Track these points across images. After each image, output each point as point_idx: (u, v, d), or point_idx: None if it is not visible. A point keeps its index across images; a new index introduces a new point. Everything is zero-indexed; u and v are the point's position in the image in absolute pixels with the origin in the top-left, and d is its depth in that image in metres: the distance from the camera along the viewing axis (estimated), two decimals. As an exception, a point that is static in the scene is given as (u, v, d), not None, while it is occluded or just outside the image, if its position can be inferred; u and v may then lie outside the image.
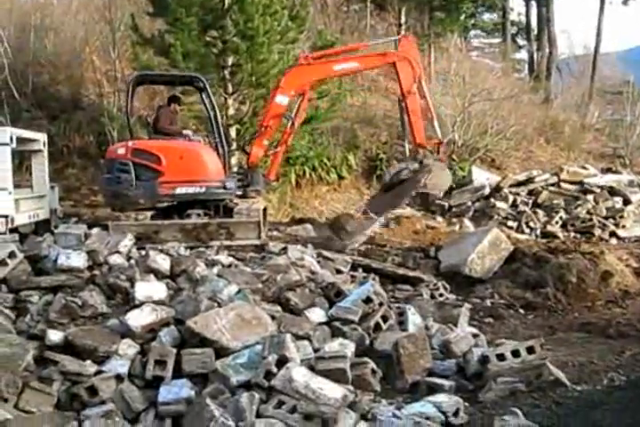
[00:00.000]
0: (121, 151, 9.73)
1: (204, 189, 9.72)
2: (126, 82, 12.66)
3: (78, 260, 6.76)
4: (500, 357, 5.86)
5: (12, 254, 6.70)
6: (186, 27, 14.13)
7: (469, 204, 16.16)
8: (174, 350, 5.71)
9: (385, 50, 12.40)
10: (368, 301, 6.81)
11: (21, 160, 11.12)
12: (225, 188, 9.83)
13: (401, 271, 9.90)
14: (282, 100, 10.98)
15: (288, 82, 11.01)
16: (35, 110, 17.02)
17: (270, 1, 14.43)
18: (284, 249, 8.91)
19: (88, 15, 19.65)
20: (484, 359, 5.92)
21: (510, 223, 15.06)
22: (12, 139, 9.52)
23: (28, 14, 18.99)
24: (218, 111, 10.49)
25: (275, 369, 5.37)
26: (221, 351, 5.80)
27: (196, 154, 9.96)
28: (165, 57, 14.47)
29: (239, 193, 10.29)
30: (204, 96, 10.60)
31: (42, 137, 10.95)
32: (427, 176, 11.16)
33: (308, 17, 15.70)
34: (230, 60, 14.65)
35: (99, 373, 5.62)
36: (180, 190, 9.64)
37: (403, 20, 21.76)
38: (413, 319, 7.03)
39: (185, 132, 10.49)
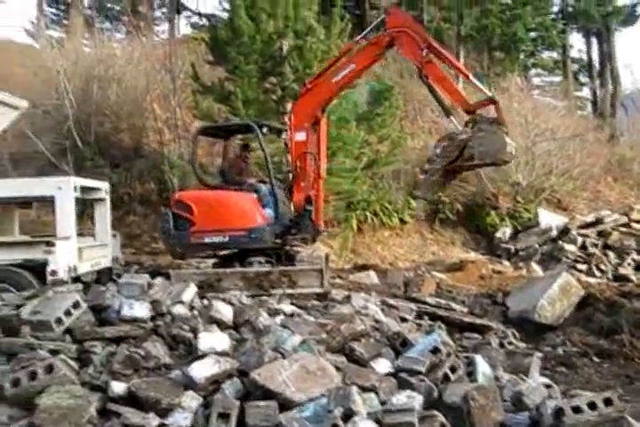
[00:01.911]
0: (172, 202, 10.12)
1: (227, 239, 9.82)
2: (189, 131, 12.89)
3: (141, 310, 6.71)
4: (576, 409, 5.52)
5: (76, 304, 6.69)
6: (245, 74, 14.38)
7: (536, 247, 15.80)
8: (238, 403, 5.54)
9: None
10: (435, 351, 6.57)
11: (84, 208, 11.25)
12: (251, 237, 9.80)
13: (468, 319, 9.63)
14: (299, 136, 10.55)
15: (297, 116, 10.63)
16: (97, 159, 17.46)
17: (328, 47, 14.60)
18: (348, 297, 8.75)
19: (149, 65, 20.16)
20: (558, 412, 5.58)
21: (580, 266, 14.63)
22: (75, 188, 9.68)
23: (92, 66, 19.59)
24: (268, 157, 10.52)
25: (341, 423, 5.16)
26: (286, 404, 5.61)
27: (222, 203, 10.09)
28: (225, 104, 14.73)
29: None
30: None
31: (104, 186, 11.12)
32: (472, 144, 9.45)
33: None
34: (289, 107, 14.74)
35: (162, 426, 5.49)
36: (208, 240, 9.82)
37: (462, 60, 21.74)
38: (483, 370, 6.74)
39: (249, 181, 10.53)
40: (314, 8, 15.37)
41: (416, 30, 9.96)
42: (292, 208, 10.61)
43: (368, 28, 11.05)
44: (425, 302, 10.11)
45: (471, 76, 10.05)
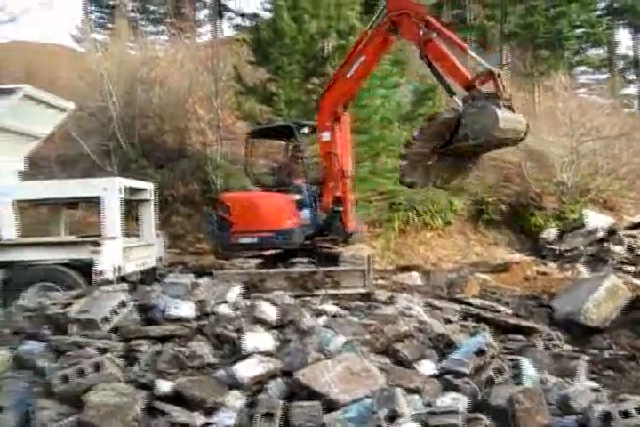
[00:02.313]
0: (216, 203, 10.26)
1: (256, 240, 9.92)
2: (231, 132, 12.98)
3: (187, 310, 6.78)
4: (625, 414, 5.42)
5: (122, 304, 6.78)
6: (288, 75, 14.41)
7: (582, 248, 15.53)
8: (282, 403, 5.55)
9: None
10: (480, 353, 6.51)
11: (129, 209, 11.37)
12: (278, 238, 9.86)
13: (513, 321, 9.49)
14: (324, 135, 10.36)
15: (320, 115, 10.48)
16: (141, 160, 17.64)
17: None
18: (391, 298, 8.72)
19: (192, 67, 20.34)
20: (606, 416, 5.48)
21: (627, 268, 14.32)
22: (121, 189, 9.81)
23: (136, 68, 19.84)
24: (306, 158, 10.56)
25: (385, 425, 5.15)
26: (330, 405, 5.60)
27: (255, 204, 10.20)
28: (268, 105, 14.76)
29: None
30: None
31: (149, 187, 11.27)
32: (464, 123, 8.61)
33: (409, 61, 15.69)
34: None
35: (207, 425, 5.52)
36: (242, 240, 9.98)
37: (505, 59, 21.51)
38: (529, 372, 6.65)
39: (295, 182, 10.55)
40: (356, 8, 15.35)
41: (414, 10, 9.51)
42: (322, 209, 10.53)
43: (374, 17, 10.33)
44: (469, 304, 10.02)
45: (470, 50, 9.32)
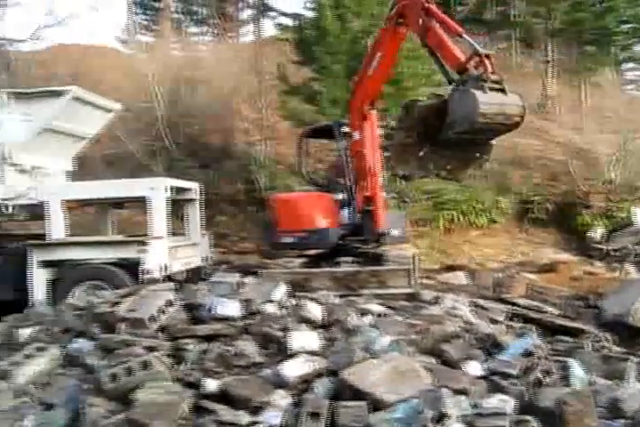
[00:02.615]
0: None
1: (293, 240, 9.97)
2: (276, 132, 13.01)
3: (233, 309, 6.83)
4: (677, 416, 5.34)
5: (169, 303, 6.86)
6: (332, 74, 14.38)
7: (631, 247, 15.22)
8: (328, 403, 5.55)
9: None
10: (528, 354, 6.46)
11: (175, 208, 11.48)
12: (313, 238, 9.89)
13: (560, 322, 9.34)
14: (354, 135, 10.30)
15: (351, 117, 10.44)
16: (186, 160, 17.76)
17: (414, 44, 14.45)
18: (437, 298, 8.66)
19: (236, 66, 20.44)
20: (657, 419, 5.41)
21: (679, 269, 14.06)
22: (167, 189, 9.91)
23: (181, 69, 20.01)
24: (344, 157, 10.51)
25: (432, 426, 5.12)
26: (376, 405, 5.58)
27: (293, 204, 10.33)
28: (312, 104, 14.73)
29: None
30: None
31: (195, 186, 11.37)
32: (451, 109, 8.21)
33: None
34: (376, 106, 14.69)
35: (253, 423, 5.54)
36: (284, 239, 10.06)
37: (551, 56, 21.21)
38: (577, 374, 6.56)
39: (341, 181, 10.54)
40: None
41: None
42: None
43: (388, 12, 10.03)
44: (515, 304, 9.90)
45: (464, 34, 8.78)
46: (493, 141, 9.00)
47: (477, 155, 9.04)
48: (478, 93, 7.90)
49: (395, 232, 10.18)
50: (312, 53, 14.88)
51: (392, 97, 14.00)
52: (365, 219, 10.08)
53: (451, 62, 8.60)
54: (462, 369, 6.40)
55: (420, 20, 8.92)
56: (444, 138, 8.55)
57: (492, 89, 8.05)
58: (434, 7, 8.99)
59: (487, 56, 8.31)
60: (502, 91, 8.14)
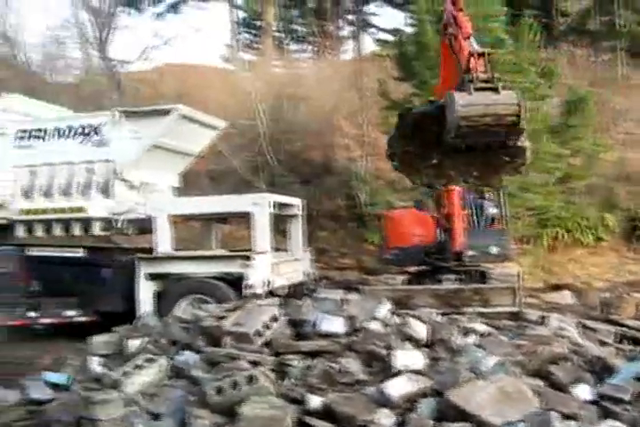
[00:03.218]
0: None
1: (390, 256, 10.28)
2: (377, 148, 12.98)
3: (337, 325, 6.82)
4: None
5: (274, 318, 6.91)
6: (432, 89, 14.27)
7: None
8: (432, 423, 5.47)
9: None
10: (640, 378, 6.18)
11: (277, 224, 11.61)
12: (399, 256, 10.07)
13: (675, 344, 8.94)
14: None
15: None
16: (288, 175, 17.95)
17: (518, 58, 14.24)
18: (543, 318, 8.41)
19: (337, 83, 20.57)
20: None
21: None
22: (271, 204, 10.03)
23: (283, 85, 20.29)
24: None
25: (540, 450, 4.96)
26: (481, 426, 5.46)
27: (391, 221, 10.60)
28: (413, 120, 14.64)
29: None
30: None
31: (298, 202, 11.47)
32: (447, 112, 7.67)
33: (557, 72, 15.22)
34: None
35: (357, 442, 5.51)
36: (385, 255, 10.35)
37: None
38: (696, 400, 6.24)
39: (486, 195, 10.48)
40: (502, 19, 15.05)
41: (445, 6, 9.06)
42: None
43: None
44: (625, 325, 9.50)
45: (471, 36, 8.32)
46: (523, 143, 8.26)
47: (507, 159, 8.40)
48: (458, 96, 7.46)
49: (494, 249, 9.99)
50: (412, 69, 14.84)
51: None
52: (446, 236, 10.04)
53: (463, 67, 8.03)
54: (571, 393, 6.19)
55: (450, 28, 8.72)
56: (447, 144, 8.07)
57: (480, 89, 7.49)
58: (460, 15, 8.68)
59: (481, 55, 7.87)
60: (494, 89, 7.51)
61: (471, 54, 7.83)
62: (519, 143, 8.16)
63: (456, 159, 8.45)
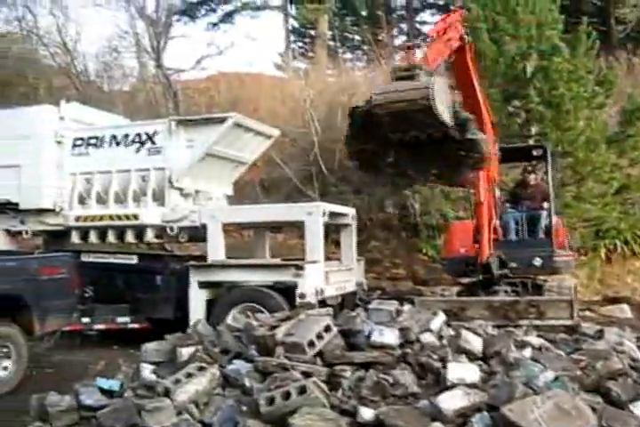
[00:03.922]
0: None
1: (447, 266, 10.62)
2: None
3: (391, 337, 6.73)
4: None
5: (327, 328, 6.84)
6: (488, 98, 14.14)
7: None
8: (486, 438, 5.36)
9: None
10: (703, 397, 5.96)
11: (328, 233, 11.60)
12: (446, 267, 10.40)
13: None
14: None
15: None
16: (341, 185, 17.92)
17: (575, 66, 14.03)
18: (600, 332, 8.20)
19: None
20: None
21: None
22: (324, 214, 10.01)
23: (336, 94, 20.29)
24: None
25: (598, 470, 4.81)
26: (537, 443, 5.33)
27: (447, 232, 10.87)
28: (467, 129, 14.53)
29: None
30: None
31: (351, 212, 11.44)
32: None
33: (615, 80, 14.95)
34: (534, 130, 14.34)
35: (409, 456, 5.43)
36: (446, 266, 10.60)
37: None
38: None
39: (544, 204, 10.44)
40: (558, 27, 14.85)
41: None
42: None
43: None
44: (687, 341, 9.25)
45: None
46: (476, 136, 7.96)
47: (463, 153, 8.02)
48: (378, 87, 7.72)
49: (537, 261, 9.85)
50: (468, 76, 14.72)
51: (552, 121, 13.61)
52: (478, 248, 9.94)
53: None
54: (630, 410, 6.01)
55: None
56: (389, 139, 7.96)
57: (399, 78, 7.51)
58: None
59: (409, 47, 7.98)
60: (411, 77, 7.45)
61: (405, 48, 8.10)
62: (470, 136, 7.87)
63: (413, 157, 8.19)
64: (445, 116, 7.41)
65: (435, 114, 7.28)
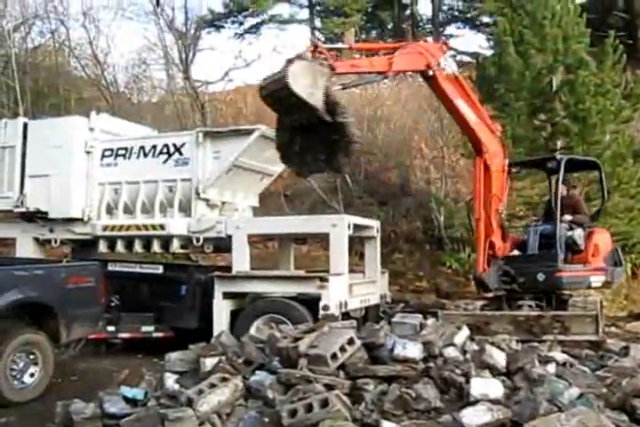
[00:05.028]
0: None
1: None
2: (455, 170, 12.92)
3: (414, 351, 6.71)
4: None
5: (350, 341, 6.84)
6: (515, 111, 14.14)
7: None
8: (509, 455, 5.34)
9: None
10: None
11: (351, 245, 11.61)
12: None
13: None
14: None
15: None
16: (365, 197, 17.94)
17: (602, 80, 13.97)
18: (626, 348, 8.13)
19: (416, 104, 20.53)
20: None
21: None
22: (349, 226, 10.03)
23: (362, 106, 20.35)
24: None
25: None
26: (560, 461, 5.30)
27: None
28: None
29: None
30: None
31: (375, 224, 11.44)
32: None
33: (643, 94, 14.86)
34: (560, 144, 14.27)
35: (430, 471, 5.42)
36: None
37: None
38: None
39: (565, 217, 10.34)
40: (585, 40, 14.80)
41: None
42: None
43: None
44: None
45: None
46: (344, 119, 8.18)
47: (335, 137, 8.23)
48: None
49: (541, 277, 9.83)
50: (493, 91, 14.70)
51: (578, 135, 13.55)
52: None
53: None
54: (657, 429, 5.96)
55: None
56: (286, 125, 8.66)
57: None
58: None
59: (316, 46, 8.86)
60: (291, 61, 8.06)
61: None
62: (339, 119, 8.10)
63: (308, 144, 8.53)
64: (311, 99, 7.83)
65: (292, 95, 7.79)
